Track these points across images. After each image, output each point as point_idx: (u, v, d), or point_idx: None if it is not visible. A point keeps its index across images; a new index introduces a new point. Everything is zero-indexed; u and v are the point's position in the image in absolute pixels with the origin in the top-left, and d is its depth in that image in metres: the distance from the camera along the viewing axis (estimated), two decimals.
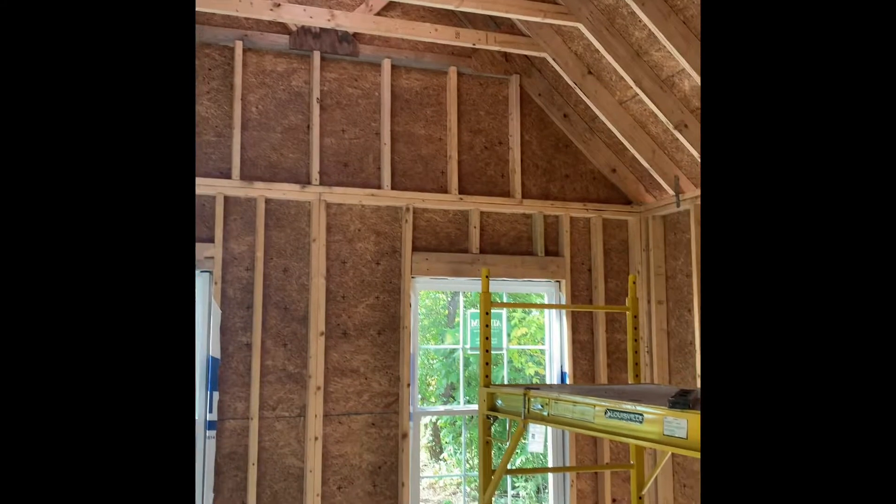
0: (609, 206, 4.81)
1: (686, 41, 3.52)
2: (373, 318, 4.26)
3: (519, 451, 7.50)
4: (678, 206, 4.40)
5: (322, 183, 4.23)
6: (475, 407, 4.69)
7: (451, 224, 4.50)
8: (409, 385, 4.24)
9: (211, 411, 3.87)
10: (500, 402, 3.40)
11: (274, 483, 3.96)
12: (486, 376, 3.52)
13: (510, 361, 8.02)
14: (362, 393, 4.18)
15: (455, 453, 8.71)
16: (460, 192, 4.50)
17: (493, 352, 3.62)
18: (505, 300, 4.93)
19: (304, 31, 4.25)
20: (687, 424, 2.12)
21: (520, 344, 8.28)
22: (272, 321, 4.06)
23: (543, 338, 4.93)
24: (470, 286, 4.63)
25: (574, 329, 4.65)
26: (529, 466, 7.47)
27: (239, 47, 4.14)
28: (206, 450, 3.84)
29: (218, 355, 3.92)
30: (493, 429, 3.55)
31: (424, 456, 8.65)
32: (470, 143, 4.59)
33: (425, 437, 8.87)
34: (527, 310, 8.52)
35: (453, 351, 8.51)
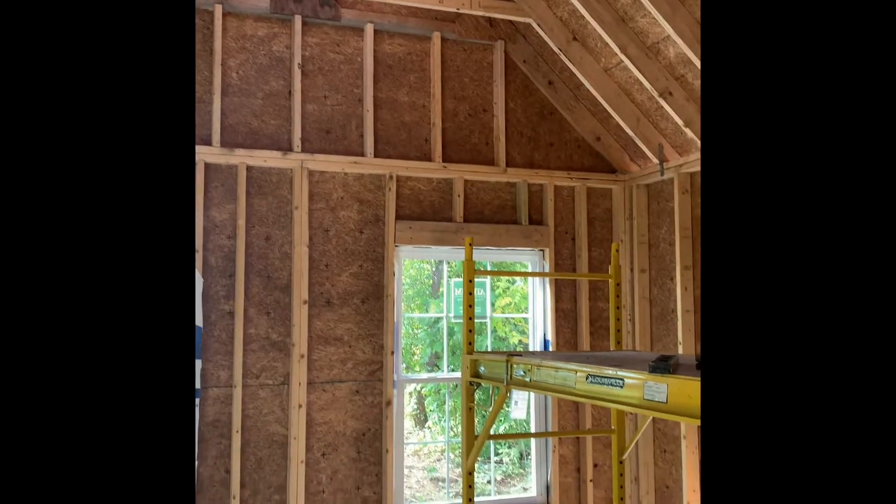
0: (593, 175, 4.81)
1: (671, 7, 3.49)
2: (356, 287, 4.25)
3: (502, 418, 7.59)
4: (662, 174, 4.41)
5: (304, 150, 4.18)
6: (459, 375, 4.72)
7: (435, 192, 4.48)
8: (392, 353, 4.25)
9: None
10: (483, 368, 3.42)
11: (258, 450, 3.97)
12: (470, 343, 3.54)
13: (494, 331, 8.06)
14: (346, 361, 4.19)
15: (439, 421, 8.79)
16: (444, 161, 4.47)
17: (476, 320, 3.63)
18: (489, 269, 4.94)
19: None
20: (667, 389, 2.14)
21: (504, 313, 8.32)
22: (255, 290, 4.04)
23: (527, 307, 4.95)
24: (454, 255, 4.62)
25: (557, 297, 4.67)
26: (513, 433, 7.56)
27: (219, 11, 4.05)
28: None
29: (200, 324, 3.90)
30: (476, 396, 3.58)
31: (409, 424, 8.72)
32: (454, 111, 4.55)
33: (410, 406, 8.93)
34: (511, 279, 8.54)
35: (437, 320, 8.54)
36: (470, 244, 3.56)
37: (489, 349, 5.92)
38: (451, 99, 4.55)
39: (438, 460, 8.33)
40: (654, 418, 4.50)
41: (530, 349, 4.84)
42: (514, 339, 8.43)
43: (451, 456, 5.32)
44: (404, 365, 6.66)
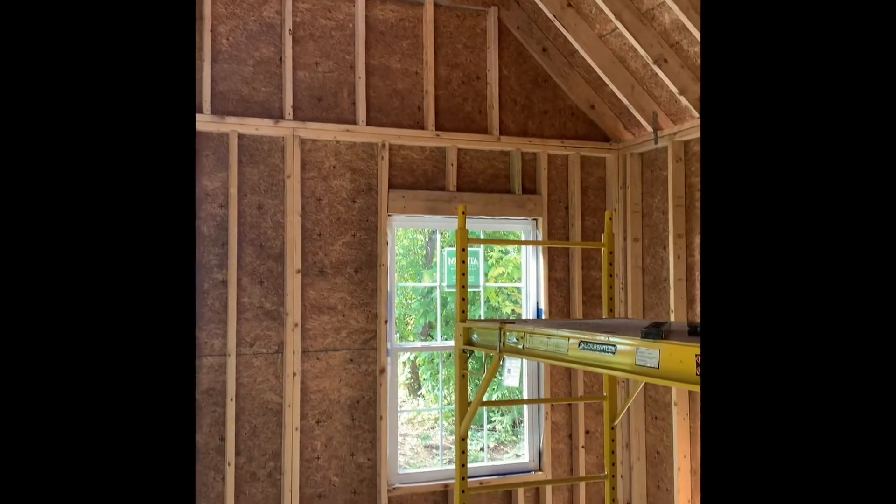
0: (587, 144, 4.78)
1: None
2: (349, 256, 4.24)
3: (495, 386, 7.65)
4: (656, 143, 4.39)
5: (295, 118, 4.14)
6: (452, 344, 4.75)
7: (428, 161, 4.45)
8: (386, 322, 4.26)
9: None
10: (476, 336, 3.44)
11: (253, 418, 4.00)
12: (463, 311, 3.55)
13: (487, 301, 8.09)
14: (340, 330, 4.20)
15: (433, 390, 8.86)
16: (437, 129, 4.44)
17: (469, 290, 3.64)
18: (482, 238, 4.94)
19: None
20: (659, 355, 2.15)
21: (497, 283, 8.35)
22: (247, 258, 4.03)
23: (520, 277, 4.97)
24: (447, 224, 4.62)
25: (550, 266, 4.68)
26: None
27: None
28: None
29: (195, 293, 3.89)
30: (469, 364, 3.60)
31: (403, 393, 8.79)
32: (447, 78, 4.51)
33: (403, 375, 9.00)
34: (504, 250, 8.55)
35: (431, 290, 8.56)
36: (463, 212, 3.56)
37: (482, 319, 5.94)
38: (444, 66, 4.50)
39: (432, 428, 8.42)
40: (645, 386, 4.54)
41: (523, 318, 4.86)
42: (507, 308, 8.46)
43: (445, 424, 5.37)
44: (398, 334, 6.69)
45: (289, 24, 4.13)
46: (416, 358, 8.99)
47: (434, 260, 8.94)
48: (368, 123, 4.28)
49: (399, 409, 4.47)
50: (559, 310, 4.70)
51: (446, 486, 4.32)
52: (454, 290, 3.91)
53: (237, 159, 4.02)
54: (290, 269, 4.08)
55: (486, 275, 7.86)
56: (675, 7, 3.53)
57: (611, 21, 4.02)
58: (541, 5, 4.31)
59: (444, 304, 7.60)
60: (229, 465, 3.91)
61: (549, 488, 4.54)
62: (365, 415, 4.22)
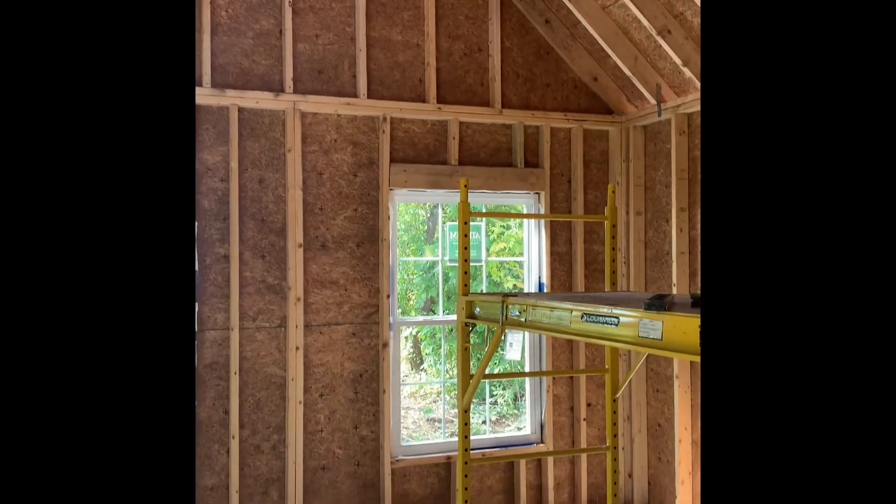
0: (590, 116, 4.75)
1: None
2: (351, 231, 4.23)
3: (497, 360, 7.69)
4: (660, 115, 4.36)
5: (296, 91, 4.10)
6: (454, 318, 4.76)
7: (430, 135, 4.42)
8: (388, 296, 4.27)
9: None
10: (478, 310, 3.44)
11: (256, 391, 4.02)
12: (465, 285, 3.55)
13: (489, 275, 8.10)
14: (342, 304, 4.20)
15: (435, 364, 8.91)
16: (439, 102, 4.40)
17: (471, 264, 3.63)
18: (484, 212, 4.92)
19: None
20: (662, 326, 2.15)
21: (498, 257, 8.35)
22: (249, 233, 4.03)
23: (522, 252, 4.96)
24: (449, 198, 4.60)
25: (552, 240, 4.67)
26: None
27: None
28: None
29: (195, 266, 3.89)
30: (471, 338, 3.61)
31: (405, 367, 8.84)
32: (448, 50, 4.46)
33: (406, 350, 9.04)
34: (505, 225, 8.54)
35: (433, 266, 8.56)
36: (465, 186, 3.54)
37: (484, 292, 5.94)
38: (446, 38, 4.45)
39: (434, 401, 8.48)
40: (646, 359, 4.56)
41: (525, 292, 4.86)
42: (509, 283, 8.47)
43: (447, 398, 5.40)
44: (400, 309, 6.70)
45: None
46: (417, 333, 9.03)
47: (436, 235, 8.93)
48: (369, 96, 4.24)
49: (402, 383, 4.49)
50: (561, 284, 4.70)
51: (449, 457, 4.36)
52: (456, 264, 3.91)
53: (238, 133, 3.99)
54: (292, 243, 4.07)
55: (487, 250, 7.86)
56: None
57: None
58: None
59: (445, 280, 7.61)
60: (233, 438, 3.94)
61: (550, 460, 4.58)
62: (368, 388, 4.24)
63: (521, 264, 6.33)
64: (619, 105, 4.75)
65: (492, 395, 8.26)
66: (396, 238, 4.46)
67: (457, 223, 3.72)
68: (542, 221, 4.65)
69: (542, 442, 4.63)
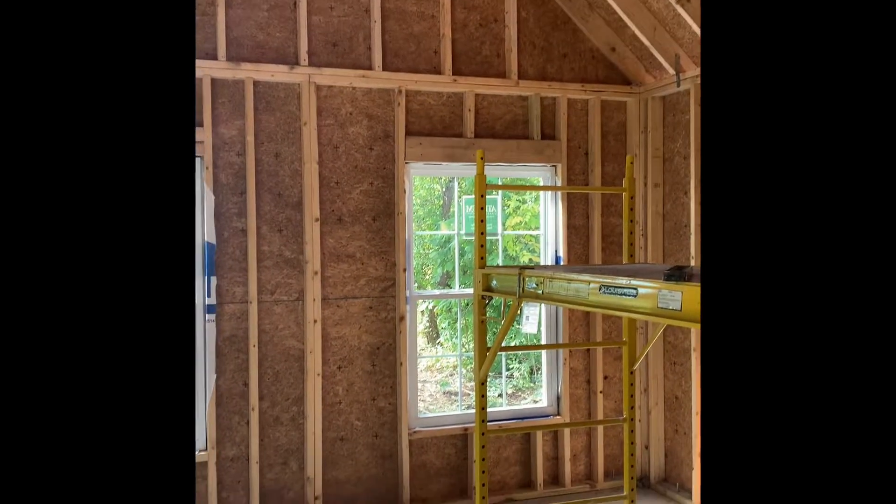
0: (608, 87, 4.69)
1: None
2: (367, 205, 4.23)
3: (513, 334, 7.71)
4: (678, 85, 4.29)
5: (311, 64, 4.08)
6: (471, 291, 4.76)
7: (445, 107, 4.39)
8: (404, 270, 4.27)
9: (209, 296, 3.91)
10: (495, 282, 3.44)
11: (275, 364, 4.06)
12: (482, 258, 3.54)
13: (505, 250, 8.08)
14: (359, 278, 4.22)
15: (451, 338, 8.95)
16: (454, 73, 4.36)
17: (487, 237, 3.62)
18: (500, 184, 4.89)
19: None
20: (681, 297, 2.14)
21: (514, 230, 8.32)
22: (266, 207, 4.04)
23: (538, 226, 4.94)
24: (464, 171, 4.58)
25: (569, 213, 4.65)
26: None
27: None
28: (206, 333, 3.91)
29: (213, 241, 3.92)
30: (487, 312, 3.61)
31: (422, 341, 8.89)
32: (464, 21, 4.41)
33: (422, 324, 9.07)
34: (521, 199, 8.50)
35: (449, 239, 8.56)
36: (482, 158, 3.52)
37: (501, 265, 5.94)
38: (461, 8, 4.40)
39: (451, 375, 8.53)
40: (664, 332, 4.55)
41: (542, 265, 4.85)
42: (525, 258, 8.46)
43: (464, 371, 5.43)
44: (416, 284, 6.72)
45: None
46: (434, 307, 9.06)
47: (451, 210, 8.91)
48: (384, 69, 4.21)
49: (418, 356, 4.52)
50: (578, 257, 4.68)
51: (466, 429, 4.40)
52: (472, 238, 3.90)
53: (253, 107, 3.98)
54: (309, 217, 4.08)
55: (503, 224, 7.84)
56: None
57: None
58: None
59: (461, 254, 7.60)
60: (253, 409, 3.99)
61: (567, 432, 4.60)
62: (385, 361, 4.27)
63: (537, 238, 6.31)
64: (638, 75, 4.69)
65: (508, 369, 8.29)
66: (412, 212, 4.46)
67: (472, 197, 3.70)
68: (559, 194, 4.62)
69: (558, 414, 4.65)
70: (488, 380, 3.65)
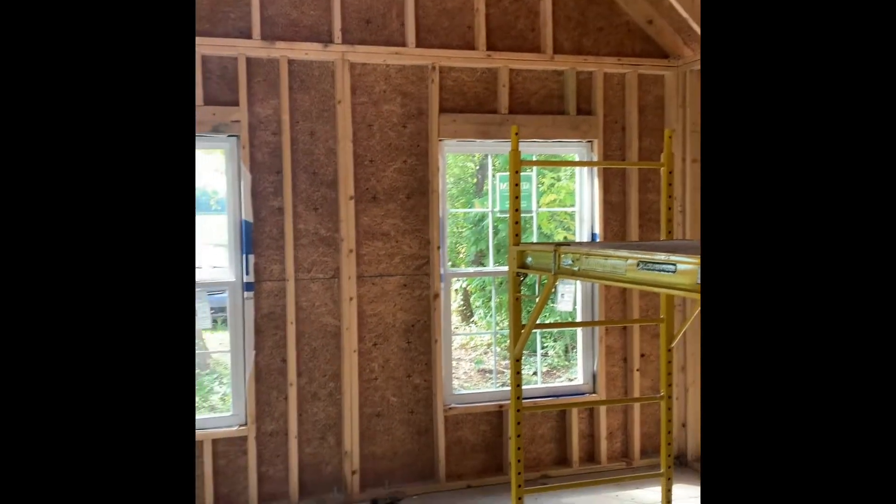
0: (645, 61, 4.59)
1: None
2: (401, 182, 4.23)
3: (548, 312, 7.68)
4: None
5: (345, 41, 4.07)
6: (505, 269, 4.75)
7: (479, 83, 4.35)
8: (438, 248, 4.28)
9: (248, 274, 3.97)
10: (530, 259, 3.42)
11: (312, 340, 4.11)
12: (517, 235, 3.52)
13: (539, 228, 8.03)
14: (393, 255, 4.24)
15: (485, 316, 8.96)
16: (488, 49, 4.31)
17: (522, 214, 3.59)
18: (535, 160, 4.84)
19: None
20: None
21: (549, 207, 8.26)
22: (302, 185, 4.07)
23: (573, 203, 4.89)
24: (498, 148, 4.54)
25: (606, 190, 4.59)
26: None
27: None
28: (245, 310, 3.98)
29: (251, 219, 3.96)
30: (522, 289, 3.60)
31: (455, 319, 8.91)
32: None
33: (456, 302, 9.09)
34: (556, 176, 8.42)
35: (482, 218, 8.53)
36: (516, 133, 3.48)
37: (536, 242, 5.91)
38: None
39: (485, 353, 8.55)
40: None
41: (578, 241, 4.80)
42: (559, 235, 8.40)
43: (497, 349, 5.43)
44: (450, 262, 6.73)
45: None
46: (467, 285, 9.06)
47: (485, 188, 8.87)
48: (418, 45, 4.19)
49: (453, 334, 4.53)
50: (614, 234, 4.63)
51: (501, 406, 4.41)
52: (506, 216, 3.88)
53: (288, 85, 4.00)
54: (344, 195, 4.10)
55: (538, 201, 7.78)
56: None
57: None
58: None
59: (495, 232, 7.57)
60: (291, 385, 4.05)
61: (603, 409, 4.59)
62: (420, 338, 4.29)
63: (572, 216, 6.25)
64: (675, 48, 4.58)
65: (542, 347, 8.27)
66: (446, 189, 4.44)
67: (507, 174, 3.67)
68: (595, 170, 4.56)
69: (594, 392, 4.63)
70: (523, 357, 3.64)
